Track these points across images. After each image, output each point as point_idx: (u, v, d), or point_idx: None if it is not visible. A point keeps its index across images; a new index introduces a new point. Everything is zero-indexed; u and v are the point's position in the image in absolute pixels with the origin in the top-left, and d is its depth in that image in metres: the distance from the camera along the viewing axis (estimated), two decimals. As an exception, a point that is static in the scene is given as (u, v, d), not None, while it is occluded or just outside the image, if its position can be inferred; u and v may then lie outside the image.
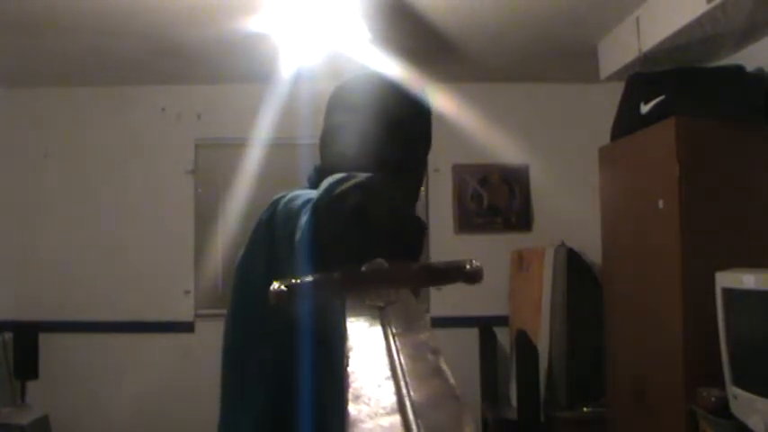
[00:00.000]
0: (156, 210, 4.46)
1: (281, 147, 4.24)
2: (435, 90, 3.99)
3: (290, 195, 1.08)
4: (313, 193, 0.97)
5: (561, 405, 3.72)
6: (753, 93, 2.81)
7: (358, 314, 0.64)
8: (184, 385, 4.23)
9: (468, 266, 0.75)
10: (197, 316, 4.41)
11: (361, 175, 0.90)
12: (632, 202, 3.14)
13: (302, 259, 0.90)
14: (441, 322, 4.45)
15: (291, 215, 0.99)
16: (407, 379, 0.50)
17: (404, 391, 0.49)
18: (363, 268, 0.74)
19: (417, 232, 0.93)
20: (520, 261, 4.22)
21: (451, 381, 0.50)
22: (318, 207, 0.88)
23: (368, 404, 0.49)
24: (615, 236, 3.35)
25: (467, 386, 4.25)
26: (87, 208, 4.45)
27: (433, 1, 3.08)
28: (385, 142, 1.17)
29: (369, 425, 0.46)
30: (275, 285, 0.73)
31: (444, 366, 0.52)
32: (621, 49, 3.41)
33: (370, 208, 0.86)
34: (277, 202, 1.11)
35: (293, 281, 0.73)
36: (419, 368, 0.53)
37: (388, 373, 0.52)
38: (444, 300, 4.47)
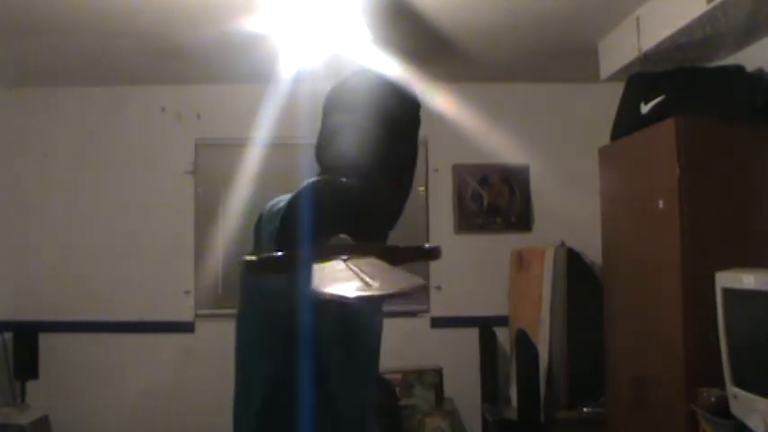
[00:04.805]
0: (156, 210, 4.45)
1: (281, 147, 4.24)
2: (435, 90, 4.03)
3: (275, 200, 1.16)
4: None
5: (561, 405, 3.72)
6: (753, 93, 2.81)
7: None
8: (184, 385, 4.23)
9: (426, 245, 0.86)
10: (197, 316, 4.41)
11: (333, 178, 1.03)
12: (632, 202, 3.14)
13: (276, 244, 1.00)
14: (441, 322, 4.46)
15: (272, 217, 1.07)
16: (363, 270, 0.62)
17: (359, 271, 0.61)
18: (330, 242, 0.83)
19: (379, 223, 1.04)
20: (520, 261, 4.22)
21: (402, 271, 0.62)
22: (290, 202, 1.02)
23: (328, 279, 0.62)
24: (615, 236, 3.35)
25: (467, 386, 4.25)
26: (87, 208, 4.45)
27: (434, 1, 3.08)
28: (385, 142, 1.17)
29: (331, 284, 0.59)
30: (246, 257, 0.82)
31: (397, 269, 0.64)
32: (621, 49, 3.41)
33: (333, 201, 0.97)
34: (266, 208, 1.20)
35: (263, 255, 0.84)
36: (375, 268, 0.64)
37: (346, 270, 0.64)
38: (444, 300, 4.47)
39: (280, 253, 0.84)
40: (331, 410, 1.10)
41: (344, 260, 0.72)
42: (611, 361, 3.35)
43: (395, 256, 0.86)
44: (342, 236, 0.82)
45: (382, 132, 1.18)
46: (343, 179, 1.04)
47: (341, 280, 0.60)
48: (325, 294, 0.58)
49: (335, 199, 0.97)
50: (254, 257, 0.84)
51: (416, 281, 0.58)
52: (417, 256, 0.85)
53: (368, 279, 0.59)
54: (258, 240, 1.16)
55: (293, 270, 0.80)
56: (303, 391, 1.06)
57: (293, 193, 1.03)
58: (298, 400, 1.07)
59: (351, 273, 0.61)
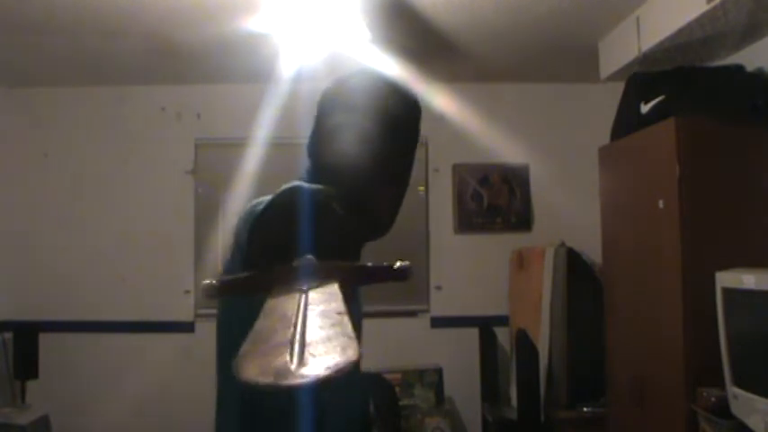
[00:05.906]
0: (156, 210, 4.46)
1: (281, 147, 4.23)
2: (435, 90, 4.03)
3: (257, 200, 1.11)
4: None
5: (561, 405, 3.72)
6: (753, 93, 2.81)
7: (282, 293, 0.71)
8: (184, 385, 4.22)
9: (396, 265, 0.82)
10: (197, 316, 4.41)
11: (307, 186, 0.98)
12: (632, 202, 3.14)
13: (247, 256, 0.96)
14: (441, 322, 4.46)
15: (251, 219, 1.04)
16: (306, 326, 0.58)
17: (298, 333, 0.56)
18: (294, 264, 0.80)
19: (350, 237, 0.98)
20: (520, 261, 4.22)
21: (348, 328, 0.58)
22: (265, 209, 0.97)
23: (262, 342, 0.57)
24: (615, 236, 3.34)
25: (467, 386, 4.25)
26: (87, 208, 4.45)
27: (434, 1, 3.08)
28: (387, 143, 1.16)
29: (257, 358, 0.54)
30: (206, 281, 0.79)
31: (346, 320, 0.60)
32: (621, 49, 3.41)
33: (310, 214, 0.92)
34: (247, 207, 1.14)
35: (224, 277, 0.79)
36: (322, 321, 0.61)
37: (292, 320, 0.60)
38: (444, 300, 4.47)
39: (243, 275, 0.81)
40: (323, 413, 1.08)
41: (304, 291, 0.69)
42: (611, 361, 3.35)
43: (363, 276, 0.85)
44: (308, 256, 0.78)
45: (384, 134, 1.16)
46: (322, 186, 1.00)
47: (269, 353, 0.54)
48: (251, 381, 0.54)
49: (313, 214, 0.92)
50: (213, 281, 0.81)
51: (350, 355, 0.53)
52: (387, 276, 0.83)
53: (296, 355, 0.53)
54: (238, 240, 1.11)
55: (256, 293, 0.76)
56: (294, 396, 1.04)
57: (268, 201, 0.98)
58: (285, 406, 1.05)
59: (287, 339, 0.55)
